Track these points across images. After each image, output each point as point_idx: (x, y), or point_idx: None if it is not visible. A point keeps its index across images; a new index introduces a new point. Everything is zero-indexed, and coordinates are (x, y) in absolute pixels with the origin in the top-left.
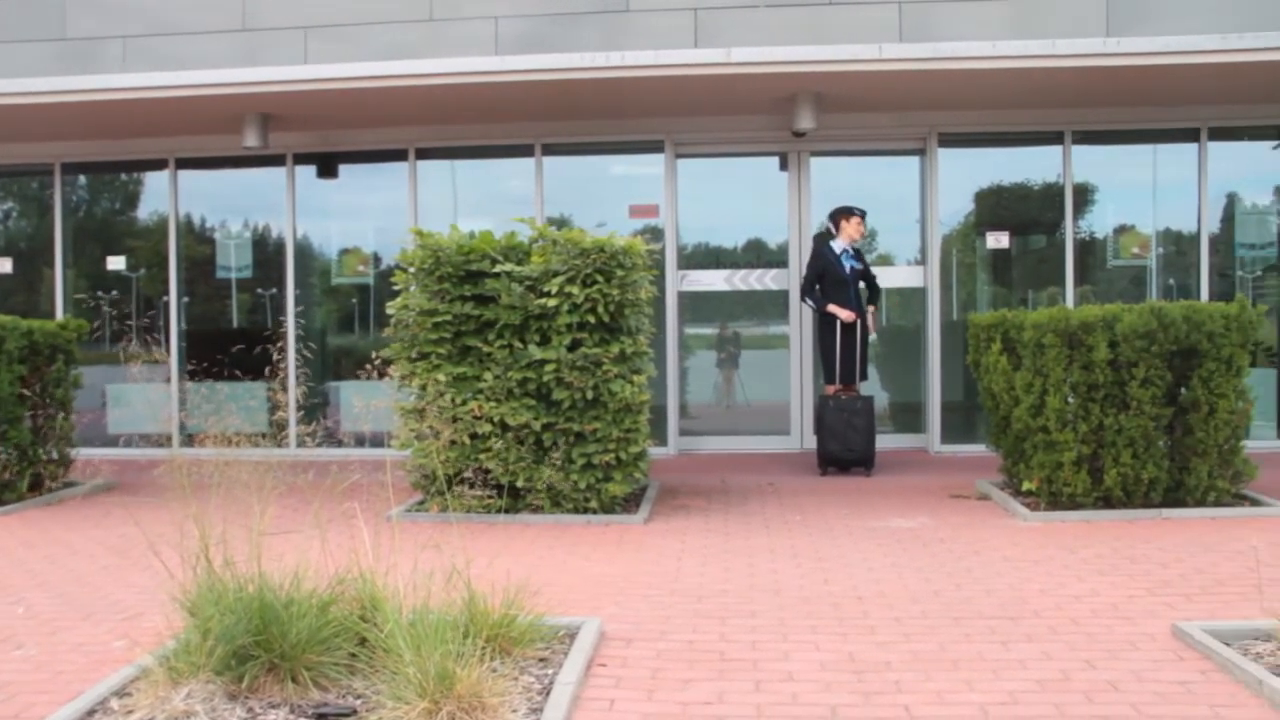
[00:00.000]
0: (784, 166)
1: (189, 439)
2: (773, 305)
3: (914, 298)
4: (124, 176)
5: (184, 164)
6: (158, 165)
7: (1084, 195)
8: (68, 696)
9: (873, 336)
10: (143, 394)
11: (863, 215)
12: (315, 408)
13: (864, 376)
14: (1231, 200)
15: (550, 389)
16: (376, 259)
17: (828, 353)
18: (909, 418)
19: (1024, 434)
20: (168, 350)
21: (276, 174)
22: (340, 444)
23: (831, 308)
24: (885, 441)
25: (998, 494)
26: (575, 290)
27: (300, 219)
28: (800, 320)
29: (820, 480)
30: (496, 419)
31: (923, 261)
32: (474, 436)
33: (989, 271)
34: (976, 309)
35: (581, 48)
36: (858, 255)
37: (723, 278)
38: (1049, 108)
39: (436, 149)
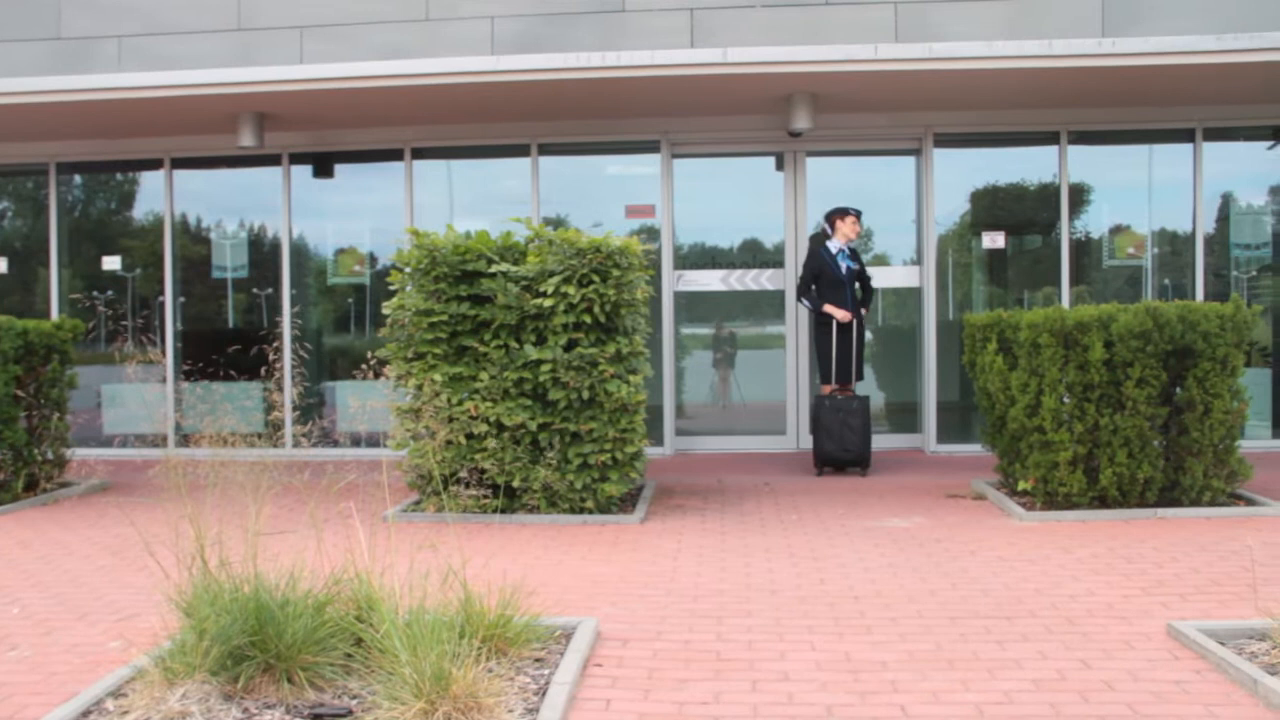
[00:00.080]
0: (780, 166)
1: (185, 439)
2: (769, 305)
3: (909, 298)
4: (119, 176)
5: (179, 164)
6: (153, 165)
7: (1079, 195)
8: (63, 697)
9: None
10: (138, 394)
11: (858, 215)
12: (311, 408)
13: (860, 376)
14: (1226, 200)
15: (546, 389)
16: (372, 259)
17: (823, 352)
18: (905, 417)
19: (1020, 434)
20: (163, 350)
21: (272, 174)
22: (336, 444)
23: (828, 308)
24: (881, 441)
25: (993, 494)
26: (571, 290)
27: (296, 219)
28: (796, 320)
29: (816, 480)
30: (492, 419)
31: (918, 261)
32: (470, 436)
33: (984, 271)
34: (972, 309)
35: (577, 48)
36: (853, 255)
37: (719, 278)
38: (1044, 108)
39: (432, 149)
